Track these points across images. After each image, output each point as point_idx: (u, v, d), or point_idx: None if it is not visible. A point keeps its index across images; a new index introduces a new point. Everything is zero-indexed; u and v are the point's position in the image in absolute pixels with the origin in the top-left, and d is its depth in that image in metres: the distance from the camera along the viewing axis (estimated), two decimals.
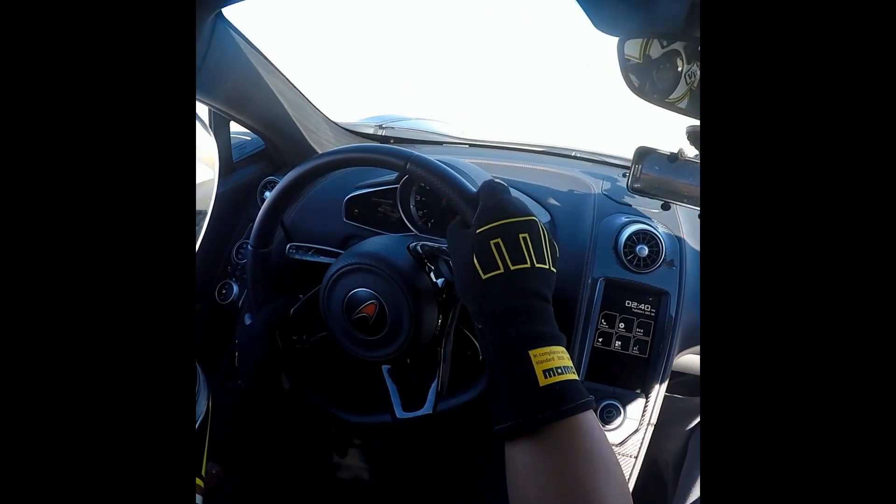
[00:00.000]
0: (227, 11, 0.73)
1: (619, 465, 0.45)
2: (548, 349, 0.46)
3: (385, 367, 0.80)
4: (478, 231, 0.51)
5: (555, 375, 0.45)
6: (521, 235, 0.50)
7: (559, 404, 0.44)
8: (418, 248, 0.74)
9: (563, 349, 0.47)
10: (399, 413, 0.77)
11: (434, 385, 0.76)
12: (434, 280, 0.75)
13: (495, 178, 0.98)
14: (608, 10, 0.56)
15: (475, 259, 0.50)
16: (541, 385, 0.44)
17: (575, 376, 0.46)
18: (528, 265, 0.50)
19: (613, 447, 0.46)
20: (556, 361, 0.46)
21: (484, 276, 0.49)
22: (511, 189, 0.94)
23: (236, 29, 0.78)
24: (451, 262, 0.62)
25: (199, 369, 0.53)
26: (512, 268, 0.49)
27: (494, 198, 0.53)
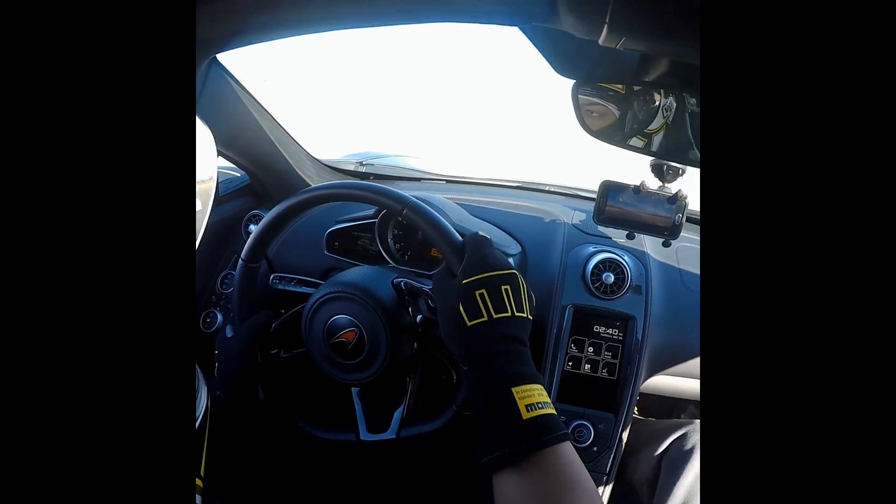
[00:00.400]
0: (220, 56, 0.78)
1: (597, 493, 0.48)
2: (528, 387, 0.50)
3: (354, 389, 0.82)
4: (464, 282, 0.56)
5: (536, 409, 0.49)
6: (503, 287, 0.56)
7: (542, 434, 0.48)
8: (402, 284, 0.78)
9: (542, 387, 0.51)
10: (363, 434, 0.79)
11: (399, 410, 0.79)
12: (412, 316, 0.78)
13: (471, 213, 1.04)
14: (563, 55, 0.61)
15: (461, 307, 0.55)
16: (524, 418, 0.48)
17: (553, 411, 0.50)
18: (509, 314, 0.55)
19: (585, 464, 0.50)
20: (537, 397, 0.50)
21: (469, 323, 0.54)
22: (488, 225, 1.00)
23: (228, 72, 0.83)
24: (436, 306, 0.66)
25: (198, 369, 0.55)
26: (494, 316, 0.54)
27: (479, 252, 0.59)
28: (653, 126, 0.69)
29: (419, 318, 0.79)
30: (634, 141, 0.70)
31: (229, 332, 0.82)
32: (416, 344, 0.79)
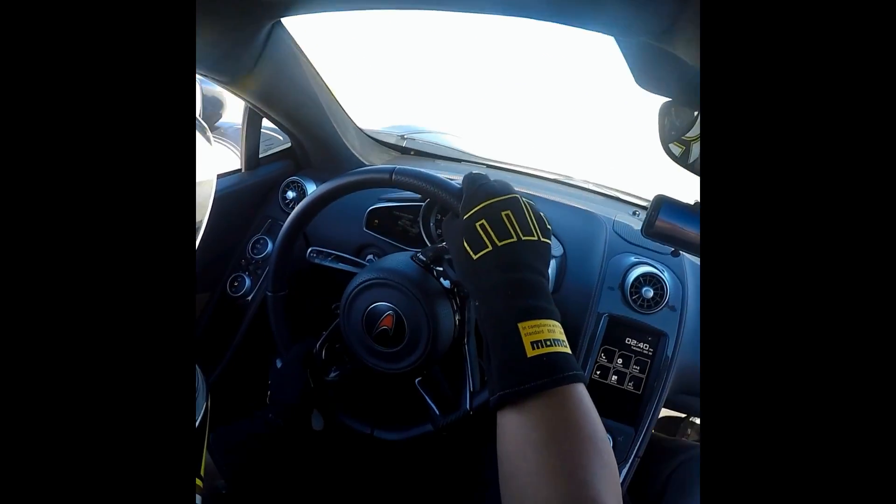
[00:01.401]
0: (285, 20, 0.76)
1: (608, 443, 0.45)
2: (538, 322, 0.47)
3: (417, 380, 0.82)
4: (464, 217, 0.53)
5: (543, 347, 0.46)
6: (503, 213, 0.53)
7: (545, 375, 0.45)
8: (419, 255, 0.77)
9: (556, 322, 0.48)
10: (440, 420, 0.78)
11: (466, 384, 0.77)
12: (441, 281, 0.77)
13: None
14: (654, 71, 0.59)
15: (465, 243, 0.52)
16: (528, 356, 0.45)
17: (566, 349, 0.47)
18: (515, 239, 0.51)
19: None
20: (546, 334, 0.47)
21: (475, 257, 0.51)
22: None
23: (291, 37, 0.81)
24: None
25: (198, 369, 0.54)
26: (499, 244, 0.51)
27: (475, 185, 0.56)
28: (691, 134, 0.66)
29: (448, 283, 0.78)
30: (673, 147, 0.67)
31: (279, 364, 0.83)
32: (455, 308, 0.78)
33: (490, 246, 0.51)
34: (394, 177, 0.68)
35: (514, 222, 0.52)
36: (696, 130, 0.66)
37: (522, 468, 0.43)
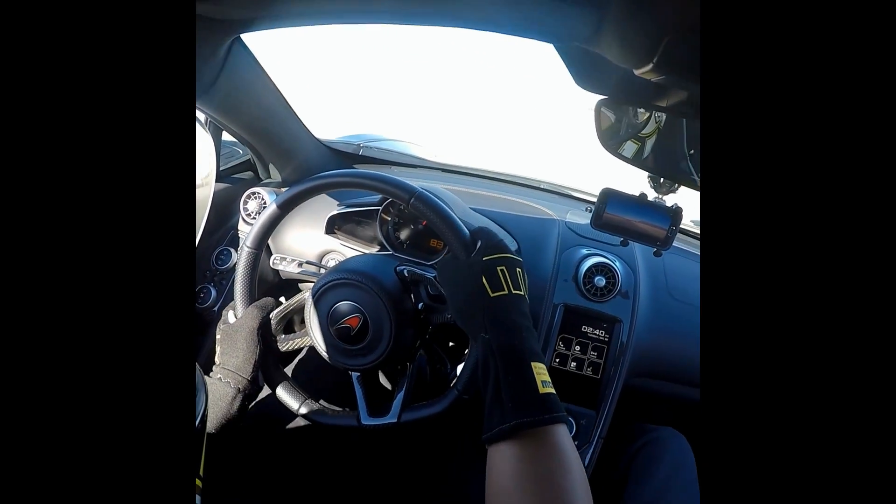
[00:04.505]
0: (244, 36, 0.78)
1: (587, 484, 0.51)
2: (541, 365, 0.55)
3: (354, 374, 0.84)
4: (485, 258, 0.61)
5: (547, 387, 0.53)
6: (517, 269, 0.61)
7: (553, 410, 0.52)
8: (405, 272, 0.81)
9: (545, 368, 0.55)
10: (364, 419, 0.81)
11: (400, 395, 0.81)
12: (415, 304, 0.81)
13: (469, 206, 1.06)
14: (589, 71, 0.64)
15: (484, 280, 0.59)
16: (540, 392, 0.52)
17: (555, 392, 0.54)
18: (522, 293, 0.60)
19: None
20: (546, 376, 0.54)
21: (492, 294, 0.59)
22: (485, 219, 1.02)
23: (250, 52, 0.83)
24: (442, 291, 0.70)
25: (198, 369, 0.55)
26: (513, 291, 0.59)
27: (495, 237, 0.64)
28: (646, 131, 0.72)
29: (420, 305, 0.81)
30: (629, 146, 0.73)
31: (231, 318, 0.83)
32: (416, 330, 0.82)
33: (506, 290, 0.59)
34: (412, 201, 0.72)
35: (522, 279, 0.61)
36: (651, 127, 0.71)
37: (519, 501, 0.48)
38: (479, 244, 0.64)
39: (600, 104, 0.65)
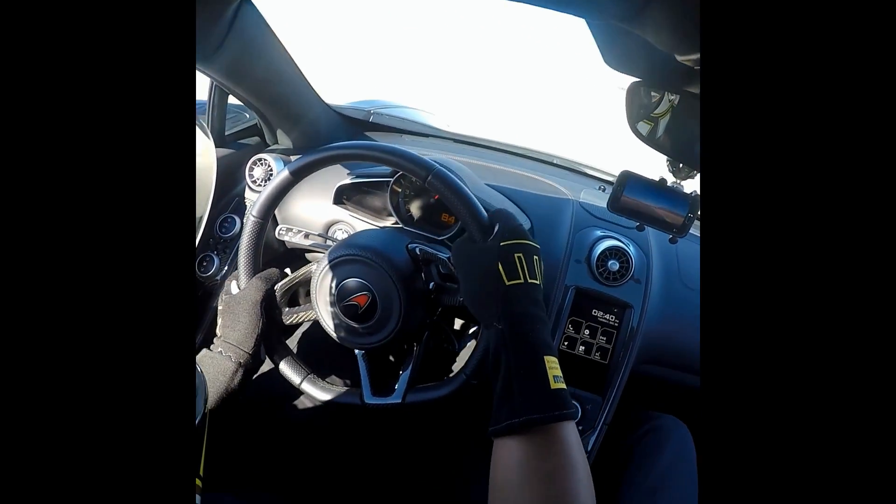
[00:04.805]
0: None
1: (591, 482, 0.50)
2: (554, 358, 0.53)
3: (359, 352, 0.82)
4: (502, 244, 0.58)
5: (559, 382, 0.51)
6: (534, 256, 0.58)
7: (564, 407, 0.50)
8: (417, 250, 0.78)
9: (558, 362, 0.53)
10: (367, 397, 0.80)
11: (405, 375, 0.80)
12: (425, 283, 0.79)
13: (481, 179, 1.03)
14: (623, 51, 0.60)
15: (500, 266, 0.56)
16: (551, 388, 0.50)
17: (566, 387, 0.52)
18: (538, 282, 0.58)
19: None
20: (558, 371, 0.52)
21: (508, 283, 0.56)
22: (499, 195, 0.99)
23: (258, 13, 0.79)
24: (455, 272, 0.67)
25: (198, 368, 0.55)
26: (529, 280, 0.57)
27: (513, 221, 0.61)
28: (659, 110, 0.68)
29: (431, 284, 0.79)
30: (641, 126, 0.69)
31: (234, 289, 0.81)
32: (426, 311, 0.80)
33: (522, 279, 0.56)
34: (430, 179, 0.69)
35: (538, 268, 0.59)
36: (664, 106, 0.68)
37: (523, 497, 0.47)
38: (496, 227, 0.61)
39: (635, 86, 0.61)
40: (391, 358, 1.09)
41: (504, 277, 0.56)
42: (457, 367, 1.08)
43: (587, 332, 0.94)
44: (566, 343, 0.94)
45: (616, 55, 0.61)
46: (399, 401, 0.78)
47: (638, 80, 0.61)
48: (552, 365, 0.52)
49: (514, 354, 0.53)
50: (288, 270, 0.85)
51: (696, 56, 0.40)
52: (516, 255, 0.57)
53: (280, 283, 0.82)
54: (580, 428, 0.91)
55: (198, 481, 0.48)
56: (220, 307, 0.80)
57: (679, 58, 0.44)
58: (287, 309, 0.84)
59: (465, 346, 0.95)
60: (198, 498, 0.47)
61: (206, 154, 0.84)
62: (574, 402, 0.52)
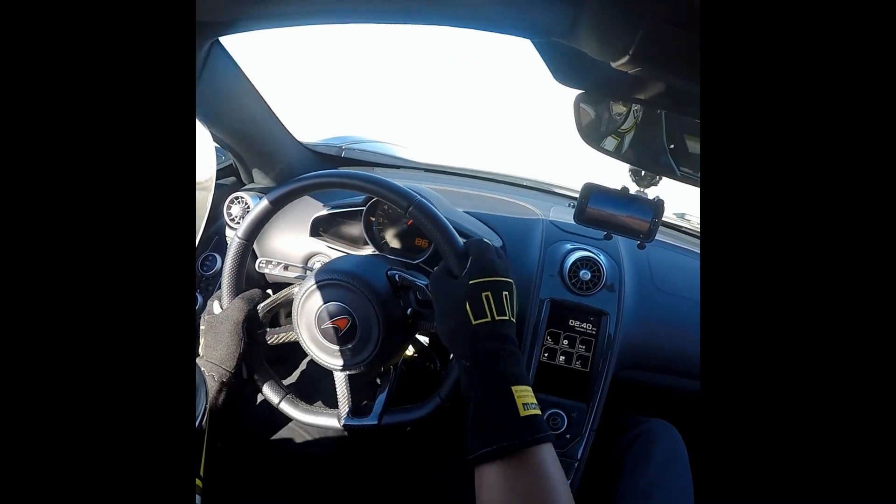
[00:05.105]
0: (223, 39, 0.78)
1: (573, 500, 0.52)
2: (524, 387, 0.55)
3: (339, 373, 0.84)
4: (471, 282, 0.60)
5: (530, 409, 0.53)
6: (503, 292, 0.60)
7: (535, 432, 0.52)
8: (396, 276, 0.80)
9: (531, 389, 0.56)
10: (346, 419, 0.81)
11: (382, 397, 0.82)
12: (403, 309, 0.81)
13: (454, 205, 1.06)
14: (568, 67, 0.64)
15: (467, 306, 0.59)
16: (521, 416, 0.53)
17: (540, 412, 0.55)
18: (507, 317, 0.60)
19: (557, 451, 0.54)
20: (529, 398, 0.54)
21: (474, 322, 0.58)
22: (470, 218, 1.02)
23: (229, 55, 0.83)
24: (431, 301, 0.69)
25: (198, 368, 0.56)
26: (496, 318, 0.59)
27: (485, 256, 0.63)
28: (625, 126, 0.73)
29: (409, 310, 0.81)
30: (608, 142, 0.74)
31: (217, 309, 0.82)
32: (404, 336, 0.82)
33: (489, 317, 0.59)
34: (411, 209, 0.72)
35: (510, 303, 0.61)
36: (629, 123, 0.72)
37: None
38: (469, 262, 0.63)
39: (579, 99, 0.66)
40: (378, 381, 1.10)
41: (471, 317, 0.59)
42: None
43: (566, 342, 0.96)
44: (546, 354, 0.96)
45: (563, 71, 0.65)
46: (375, 422, 0.80)
47: (582, 92, 0.65)
48: (522, 393, 0.54)
49: (481, 391, 0.55)
50: (270, 292, 0.87)
51: (626, 60, 0.44)
52: (483, 294, 0.59)
53: (262, 304, 0.84)
54: (567, 436, 0.93)
55: (198, 481, 0.48)
56: (202, 327, 0.81)
57: (613, 64, 0.48)
58: (269, 329, 0.86)
59: (449, 365, 0.97)
60: (198, 498, 0.48)
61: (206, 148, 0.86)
62: (552, 436, 0.54)
